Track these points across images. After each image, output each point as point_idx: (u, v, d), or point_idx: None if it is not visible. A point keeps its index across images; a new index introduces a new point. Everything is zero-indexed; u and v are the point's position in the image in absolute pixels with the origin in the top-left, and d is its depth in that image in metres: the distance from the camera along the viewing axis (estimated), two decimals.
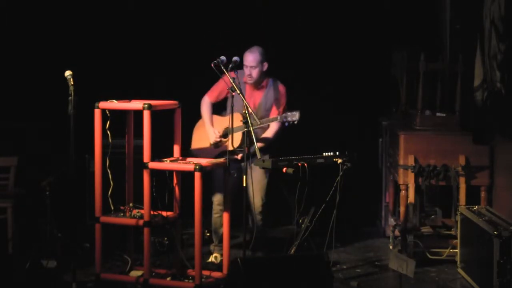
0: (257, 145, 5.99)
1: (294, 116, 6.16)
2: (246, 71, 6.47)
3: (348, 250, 7.14)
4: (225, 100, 6.62)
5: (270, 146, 6.45)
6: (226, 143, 6.49)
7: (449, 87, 7.17)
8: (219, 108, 6.68)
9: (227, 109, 6.61)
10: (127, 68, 7.87)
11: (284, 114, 6.23)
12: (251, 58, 6.43)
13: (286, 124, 6.21)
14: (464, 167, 6.59)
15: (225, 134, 6.54)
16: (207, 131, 6.56)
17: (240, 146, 6.27)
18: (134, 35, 8.02)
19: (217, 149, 6.52)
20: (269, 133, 6.48)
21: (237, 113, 6.36)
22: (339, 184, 6.00)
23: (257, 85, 6.52)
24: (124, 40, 8.00)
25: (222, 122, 6.58)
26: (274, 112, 6.47)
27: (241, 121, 5.98)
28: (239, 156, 6.32)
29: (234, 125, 6.40)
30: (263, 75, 6.51)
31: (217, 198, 6.57)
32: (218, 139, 6.51)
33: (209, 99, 6.61)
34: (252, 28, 8.03)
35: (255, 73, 6.45)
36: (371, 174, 7.95)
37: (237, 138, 6.35)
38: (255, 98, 6.53)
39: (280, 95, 6.55)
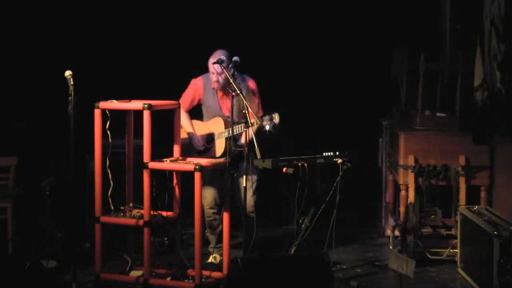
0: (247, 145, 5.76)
1: (275, 119, 5.87)
2: (213, 77, 6.27)
3: (348, 250, 7.13)
4: (199, 106, 6.51)
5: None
6: (212, 149, 6.43)
7: (449, 87, 7.17)
8: (195, 114, 6.59)
9: (204, 116, 6.51)
10: (127, 68, 7.87)
11: (266, 117, 5.92)
12: (216, 64, 6.11)
13: (268, 127, 5.91)
14: (464, 167, 6.59)
15: (208, 140, 6.48)
16: (190, 138, 6.45)
17: (225, 152, 6.18)
18: (134, 35, 8.03)
19: (206, 152, 6.46)
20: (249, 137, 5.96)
21: (218, 118, 6.30)
22: (339, 184, 6.01)
23: (226, 88, 6.19)
24: (124, 40, 8.00)
25: (204, 127, 6.49)
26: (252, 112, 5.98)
27: (243, 122, 5.90)
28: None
29: (217, 131, 6.35)
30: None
31: (208, 202, 6.46)
32: (202, 148, 6.45)
33: (183, 109, 6.37)
34: (252, 28, 8.03)
35: (221, 78, 6.22)
36: (371, 174, 7.95)
37: (221, 145, 6.31)
38: (227, 102, 6.30)
39: (251, 92, 6.37)
